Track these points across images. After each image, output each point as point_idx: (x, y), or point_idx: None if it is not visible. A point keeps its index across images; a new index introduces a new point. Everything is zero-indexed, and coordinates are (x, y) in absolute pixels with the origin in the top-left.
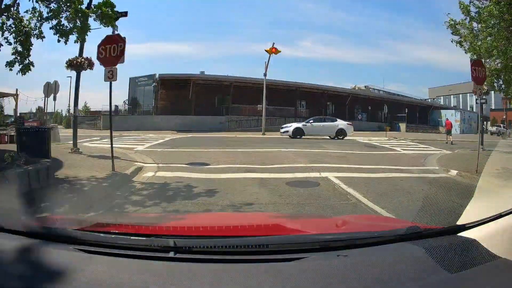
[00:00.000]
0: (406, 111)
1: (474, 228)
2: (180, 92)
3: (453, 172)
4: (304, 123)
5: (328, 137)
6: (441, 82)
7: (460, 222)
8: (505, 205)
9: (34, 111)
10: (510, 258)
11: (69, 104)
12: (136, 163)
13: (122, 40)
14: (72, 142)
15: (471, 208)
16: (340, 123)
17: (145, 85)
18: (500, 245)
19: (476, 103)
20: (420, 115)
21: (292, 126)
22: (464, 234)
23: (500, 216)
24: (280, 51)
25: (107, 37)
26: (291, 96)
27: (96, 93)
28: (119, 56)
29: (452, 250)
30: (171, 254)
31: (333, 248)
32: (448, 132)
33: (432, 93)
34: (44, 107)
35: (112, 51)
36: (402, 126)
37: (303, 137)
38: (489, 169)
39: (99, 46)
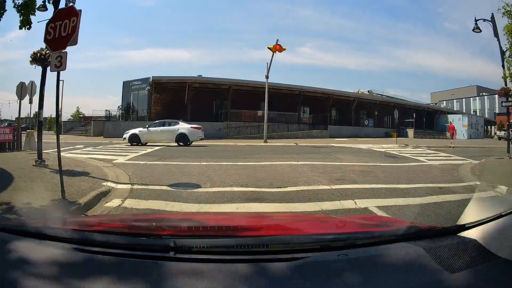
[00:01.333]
0: (414, 116)
1: (474, 228)
2: (176, 97)
3: (503, 189)
4: (141, 128)
5: (176, 144)
6: (440, 88)
7: (460, 222)
8: (505, 205)
9: (31, 116)
10: (510, 258)
11: (60, 108)
12: (104, 184)
13: (76, 13)
14: (46, 151)
15: (471, 208)
16: (182, 127)
17: (139, 89)
18: (500, 245)
19: (503, 105)
20: (426, 120)
21: (129, 133)
22: (464, 234)
23: (500, 216)
24: (285, 49)
25: (58, 11)
26: (293, 101)
27: (93, 98)
28: (70, 35)
29: (452, 250)
30: (171, 254)
31: (333, 248)
32: (451, 136)
33: (434, 98)
34: (19, 111)
35: (63, 30)
36: (410, 132)
37: (140, 144)
38: None
39: (48, 24)
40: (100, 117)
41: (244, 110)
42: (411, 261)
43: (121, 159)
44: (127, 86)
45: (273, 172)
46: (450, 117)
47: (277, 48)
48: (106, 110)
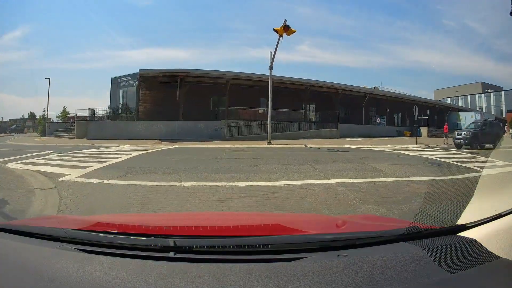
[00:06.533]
0: (428, 114)
1: (474, 228)
2: (167, 93)
3: None
4: None
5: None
6: (439, 84)
7: (460, 222)
8: (505, 205)
9: (26, 117)
10: (510, 258)
11: (45, 109)
12: None
13: None
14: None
15: (471, 208)
16: None
17: (128, 86)
18: (500, 245)
19: None
20: (437, 118)
21: None
22: (464, 234)
23: (500, 216)
24: (294, 31)
25: None
26: (299, 97)
27: (91, 98)
28: None
29: (452, 250)
30: (171, 254)
31: (333, 248)
32: (446, 135)
33: (438, 95)
34: None
35: None
36: (424, 130)
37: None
38: None
39: None
40: (84, 117)
41: (244, 107)
42: (411, 261)
43: (74, 174)
44: (116, 83)
45: (300, 204)
46: (462, 114)
47: (285, 29)
48: (89, 109)
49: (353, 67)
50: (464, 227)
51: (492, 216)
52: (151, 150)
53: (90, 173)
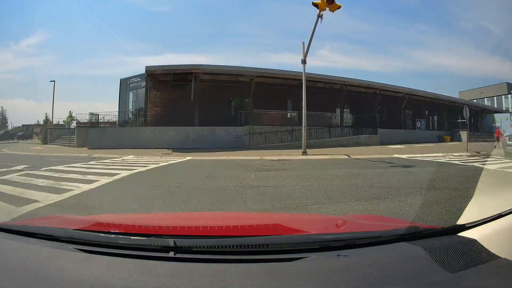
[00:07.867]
0: (468, 116)
1: (474, 228)
2: (179, 94)
3: None
4: None
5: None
6: (460, 87)
7: (460, 222)
8: (505, 205)
9: (41, 122)
10: (510, 258)
11: (48, 114)
12: None
13: None
14: None
15: (471, 208)
16: None
17: (137, 88)
18: (500, 245)
19: None
20: (473, 121)
21: None
22: (464, 234)
23: (500, 216)
24: (340, 6)
25: None
26: (332, 97)
27: (107, 103)
28: None
29: (452, 250)
30: (171, 254)
31: (333, 248)
32: (497, 139)
33: (463, 97)
34: None
35: None
36: (463, 135)
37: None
38: None
39: None
40: (85, 123)
41: (270, 110)
42: (411, 261)
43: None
44: (125, 85)
45: None
46: (497, 117)
47: (328, 3)
48: (90, 114)
49: (372, 71)
50: (464, 227)
51: (492, 216)
52: (152, 167)
53: (19, 218)
